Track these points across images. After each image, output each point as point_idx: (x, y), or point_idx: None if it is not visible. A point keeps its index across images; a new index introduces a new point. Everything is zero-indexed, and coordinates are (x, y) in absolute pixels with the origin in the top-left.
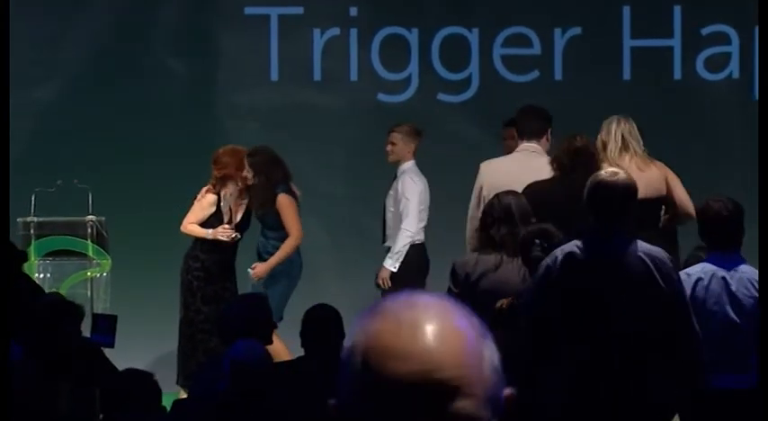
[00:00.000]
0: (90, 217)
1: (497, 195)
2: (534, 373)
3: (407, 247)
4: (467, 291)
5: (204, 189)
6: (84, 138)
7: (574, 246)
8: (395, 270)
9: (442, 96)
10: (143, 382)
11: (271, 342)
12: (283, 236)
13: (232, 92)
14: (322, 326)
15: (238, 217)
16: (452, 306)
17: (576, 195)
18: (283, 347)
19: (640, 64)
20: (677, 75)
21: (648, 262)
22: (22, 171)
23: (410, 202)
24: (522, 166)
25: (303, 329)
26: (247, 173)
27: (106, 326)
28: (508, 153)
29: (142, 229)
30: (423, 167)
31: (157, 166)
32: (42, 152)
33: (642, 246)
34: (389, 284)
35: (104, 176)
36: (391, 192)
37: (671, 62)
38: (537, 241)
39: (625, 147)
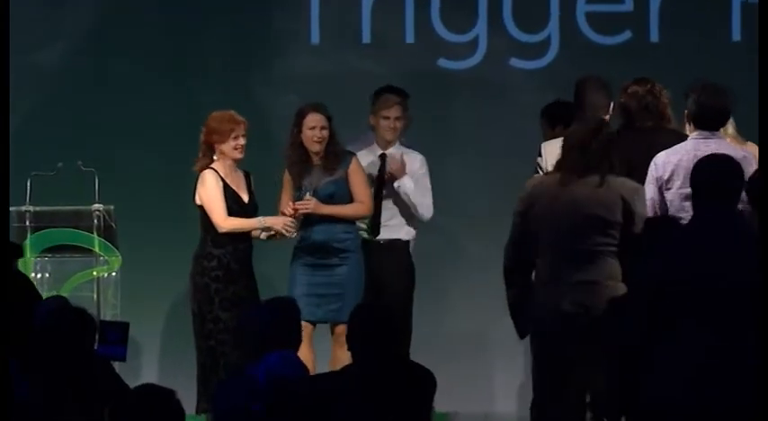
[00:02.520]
0: (96, 206)
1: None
2: (645, 355)
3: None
4: (531, 211)
5: (198, 166)
6: (90, 112)
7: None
8: (411, 186)
9: (514, 62)
10: (162, 402)
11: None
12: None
13: (265, 58)
14: (374, 328)
15: (245, 197)
16: None
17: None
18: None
19: (754, 23)
20: None
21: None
22: (15, 151)
23: (427, 180)
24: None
25: (351, 333)
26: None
27: (116, 336)
28: None
29: (159, 220)
30: (493, 144)
31: (178, 146)
32: (40, 128)
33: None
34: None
35: (114, 158)
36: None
37: None
38: None
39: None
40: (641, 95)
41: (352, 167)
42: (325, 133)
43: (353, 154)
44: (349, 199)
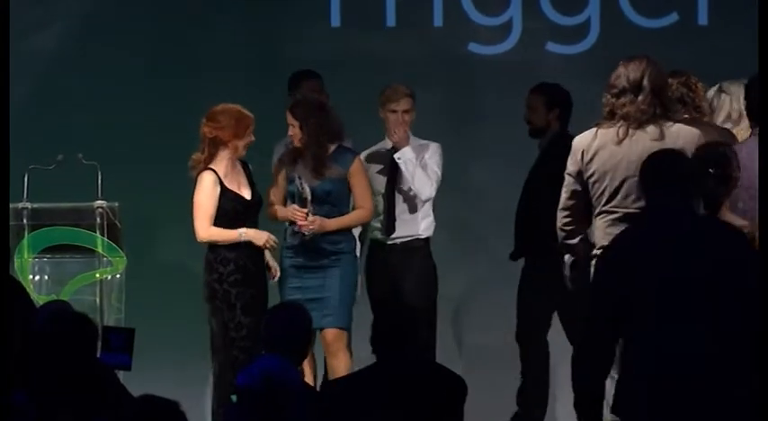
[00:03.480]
0: (99, 202)
1: (624, 64)
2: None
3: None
4: (585, 167)
5: (192, 161)
6: (92, 101)
7: None
8: (411, 156)
9: (551, 46)
10: (166, 414)
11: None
12: (347, 213)
13: (282, 41)
14: (398, 327)
15: (247, 193)
16: None
17: None
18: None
19: None
20: None
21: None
22: (11, 143)
23: (433, 162)
24: None
25: (375, 334)
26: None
27: (120, 343)
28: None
29: (166, 218)
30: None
31: (188, 139)
32: (37, 118)
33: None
34: None
35: (118, 150)
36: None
37: None
38: (711, 170)
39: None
40: (676, 88)
41: (355, 168)
42: (296, 131)
43: (356, 153)
44: (345, 200)
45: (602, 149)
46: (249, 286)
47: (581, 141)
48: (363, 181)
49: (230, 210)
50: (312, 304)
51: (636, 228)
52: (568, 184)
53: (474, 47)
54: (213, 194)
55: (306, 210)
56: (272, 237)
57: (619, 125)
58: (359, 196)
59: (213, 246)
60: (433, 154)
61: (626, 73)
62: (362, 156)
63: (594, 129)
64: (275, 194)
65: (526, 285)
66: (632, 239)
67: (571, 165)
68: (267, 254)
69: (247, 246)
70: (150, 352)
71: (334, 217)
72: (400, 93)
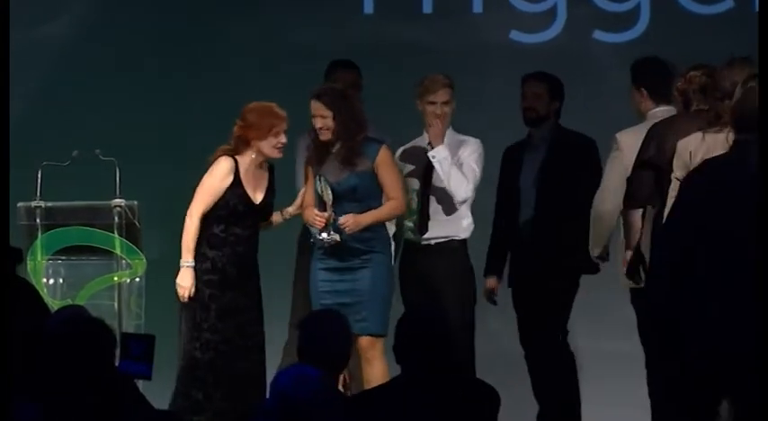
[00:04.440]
0: (117, 201)
1: (729, 67)
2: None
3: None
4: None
5: (216, 152)
6: (109, 94)
7: None
8: (446, 154)
9: (598, 35)
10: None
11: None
12: (377, 208)
13: (310, 29)
14: (424, 334)
15: (259, 197)
16: None
17: None
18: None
19: None
20: None
21: None
22: (24, 138)
23: (471, 159)
24: None
25: (398, 342)
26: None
27: (140, 351)
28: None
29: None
30: (577, 126)
31: (208, 133)
32: (51, 111)
33: None
34: None
35: (137, 146)
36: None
37: None
38: None
39: None
40: (698, 79)
41: (381, 158)
42: (327, 122)
43: (382, 143)
44: (374, 194)
45: (710, 155)
46: (228, 289)
47: (687, 144)
48: (392, 171)
49: (229, 207)
50: (344, 309)
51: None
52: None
53: (516, 35)
54: (222, 182)
55: (326, 215)
56: (185, 292)
57: (727, 131)
58: (389, 187)
59: (198, 240)
60: (472, 151)
61: (731, 76)
62: (398, 152)
63: (701, 133)
64: (309, 196)
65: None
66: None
67: (678, 169)
68: None
69: (231, 247)
70: (172, 360)
71: (361, 213)
72: (439, 83)
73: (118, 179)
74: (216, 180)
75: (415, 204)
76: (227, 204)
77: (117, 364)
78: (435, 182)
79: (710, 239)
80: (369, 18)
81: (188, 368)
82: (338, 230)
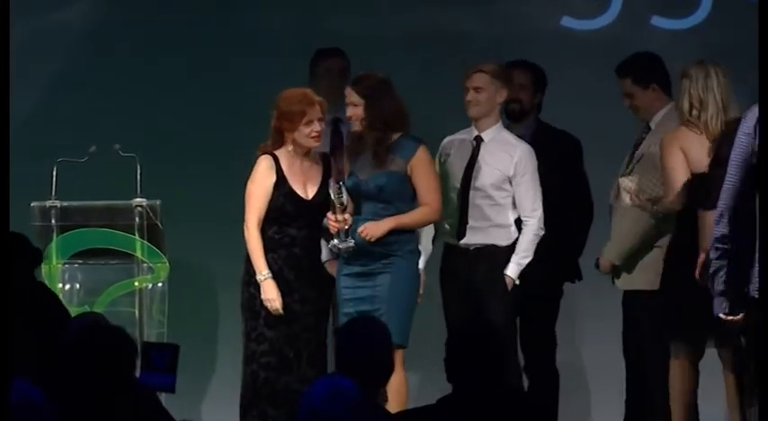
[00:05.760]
0: (138, 200)
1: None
2: None
3: (535, 245)
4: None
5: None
6: (130, 84)
7: None
8: (517, 281)
9: (656, 21)
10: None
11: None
12: (405, 212)
13: (343, 17)
14: (478, 350)
15: (311, 192)
16: None
17: None
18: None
19: None
20: None
21: None
22: (37, 132)
23: (535, 183)
24: None
25: (450, 359)
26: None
27: (163, 362)
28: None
29: (215, 218)
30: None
31: (238, 127)
32: (67, 104)
33: None
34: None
35: (160, 141)
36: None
37: None
38: None
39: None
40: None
41: (417, 159)
42: (357, 111)
43: (420, 142)
44: (403, 196)
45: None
46: (283, 295)
47: None
48: (428, 173)
49: (277, 207)
50: None
51: None
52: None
53: (568, 21)
54: (265, 183)
55: (341, 219)
56: (275, 304)
57: None
58: (423, 190)
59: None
60: (526, 163)
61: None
62: (444, 141)
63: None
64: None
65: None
66: None
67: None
68: None
69: (287, 249)
70: (196, 372)
71: (387, 215)
72: (472, 67)
73: (139, 176)
74: (258, 182)
75: (454, 205)
76: (276, 205)
77: (138, 376)
78: (477, 180)
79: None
80: (414, 4)
81: (243, 383)
82: (354, 237)
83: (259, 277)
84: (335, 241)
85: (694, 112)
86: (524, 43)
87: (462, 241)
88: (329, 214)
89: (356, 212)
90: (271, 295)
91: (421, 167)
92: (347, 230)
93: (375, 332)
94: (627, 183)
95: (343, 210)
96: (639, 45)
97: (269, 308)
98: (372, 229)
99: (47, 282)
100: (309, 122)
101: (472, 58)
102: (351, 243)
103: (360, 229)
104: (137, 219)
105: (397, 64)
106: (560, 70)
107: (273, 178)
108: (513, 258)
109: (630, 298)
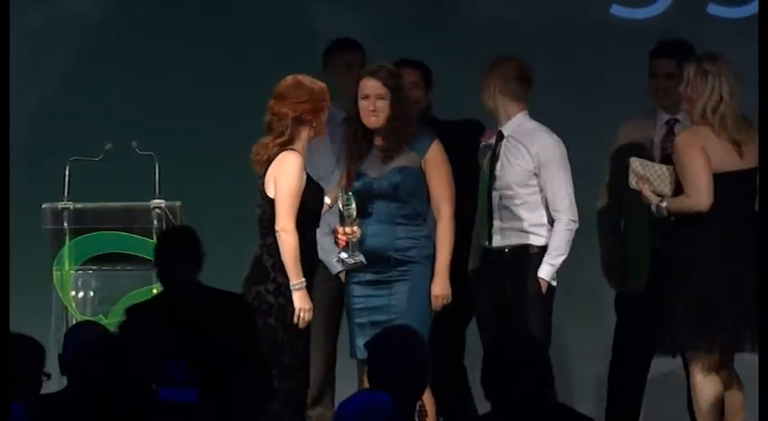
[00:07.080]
0: (156, 201)
1: None
2: None
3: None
4: None
5: (270, 143)
6: (149, 78)
7: None
8: (554, 283)
9: (712, 9)
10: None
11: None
12: (421, 212)
13: (370, 9)
14: (519, 365)
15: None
16: None
17: None
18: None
19: None
20: None
21: None
22: (47, 130)
23: (561, 174)
24: None
25: (487, 374)
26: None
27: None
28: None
29: (237, 221)
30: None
31: (257, 127)
32: (81, 98)
33: None
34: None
35: (179, 139)
36: (498, 161)
37: None
38: None
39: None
40: None
41: (432, 154)
42: (382, 105)
43: (434, 137)
44: (420, 194)
45: None
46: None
47: None
48: (442, 171)
49: (307, 208)
50: (378, 329)
51: None
52: None
53: (617, 10)
54: (301, 181)
55: (350, 231)
56: (308, 315)
57: None
58: (437, 189)
59: (273, 248)
60: (553, 154)
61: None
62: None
63: None
64: (333, 196)
65: None
66: None
67: None
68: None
69: (313, 247)
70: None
71: (402, 216)
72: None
73: (157, 176)
74: (295, 180)
75: (482, 206)
76: (305, 206)
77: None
78: (501, 179)
79: None
80: None
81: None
82: (363, 248)
83: (293, 286)
84: (344, 255)
85: (708, 111)
86: (568, 34)
87: (495, 244)
88: (337, 226)
89: (366, 215)
90: (304, 305)
91: (436, 163)
92: (356, 242)
93: (410, 342)
94: (637, 165)
95: (352, 222)
96: (694, 35)
97: (301, 318)
98: (443, 291)
99: (59, 289)
100: (317, 111)
101: (513, 49)
102: (360, 258)
103: (433, 306)
104: (155, 222)
105: (434, 53)
106: (609, 63)
107: (305, 176)
108: (545, 258)
109: (621, 298)
